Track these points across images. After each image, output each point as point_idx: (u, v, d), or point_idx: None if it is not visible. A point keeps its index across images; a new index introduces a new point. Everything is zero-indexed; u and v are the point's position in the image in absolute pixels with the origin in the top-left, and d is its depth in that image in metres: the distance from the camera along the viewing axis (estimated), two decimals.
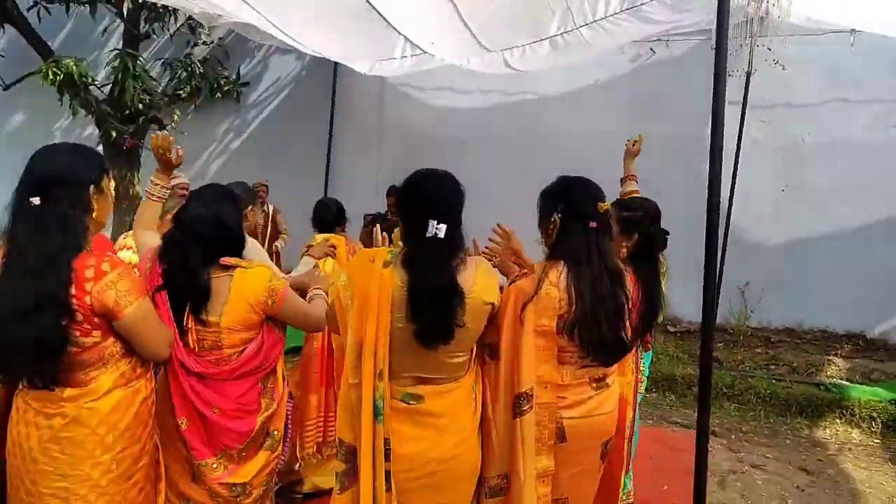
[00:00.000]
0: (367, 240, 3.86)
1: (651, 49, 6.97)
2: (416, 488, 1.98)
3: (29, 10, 7.18)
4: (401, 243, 2.05)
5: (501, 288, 2.17)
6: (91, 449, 1.88)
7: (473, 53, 5.41)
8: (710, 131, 2.67)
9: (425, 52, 5.45)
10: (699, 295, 2.69)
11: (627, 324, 2.28)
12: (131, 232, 3.42)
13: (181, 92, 8.07)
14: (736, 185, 5.75)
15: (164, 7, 6.51)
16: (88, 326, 1.84)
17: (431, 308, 1.88)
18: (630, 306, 2.31)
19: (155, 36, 7.79)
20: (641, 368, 3.01)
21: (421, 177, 2.05)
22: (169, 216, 2.57)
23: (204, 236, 2.24)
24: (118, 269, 1.88)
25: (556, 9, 4.41)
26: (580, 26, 4.64)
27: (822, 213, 6.54)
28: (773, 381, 5.66)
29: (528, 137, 7.32)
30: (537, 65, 5.56)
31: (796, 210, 6.62)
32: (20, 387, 1.92)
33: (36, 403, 1.88)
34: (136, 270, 2.31)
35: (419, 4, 4.48)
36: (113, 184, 2.07)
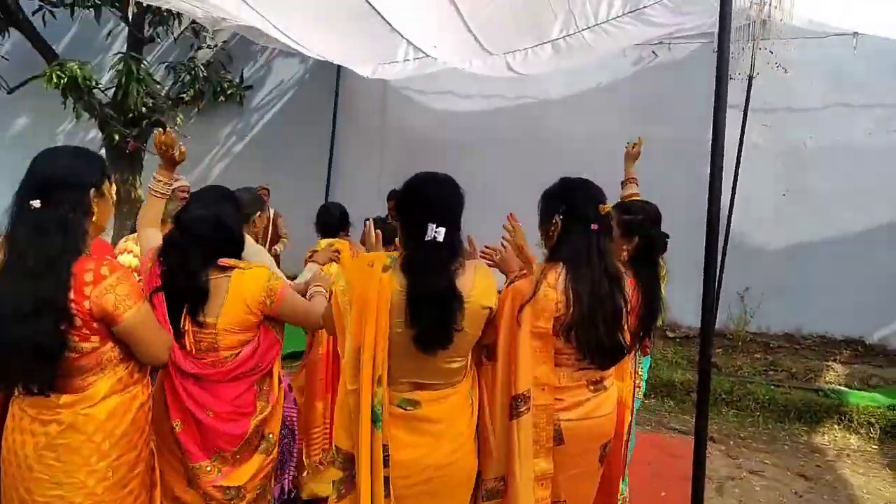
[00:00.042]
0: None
1: (653, 52, 6.96)
2: (413, 495, 1.97)
3: (34, 13, 7.22)
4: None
5: (499, 291, 2.16)
6: (87, 456, 1.87)
7: (475, 56, 5.42)
8: (711, 135, 2.67)
9: (428, 56, 5.46)
10: (699, 300, 2.68)
11: (626, 327, 2.28)
12: (132, 235, 3.44)
13: (184, 95, 8.09)
14: (737, 190, 5.73)
15: (169, 11, 6.53)
16: (87, 331, 1.83)
17: (430, 312, 1.87)
18: (629, 310, 2.31)
19: (159, 40, 7.83)
20: (640, 373, 3.01)
21: (420, 180, 2.04)
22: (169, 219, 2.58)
23: (204, 237, 2.25)
24: (117, 273, 1.87)
25: (559, 12, 4.41)
26: (582, 29, 4.64)
27: (823, 218, 6.51)
28: (772, 386, 5.64)
29: (530, 141, 7.32)
30: (539, 68, 5.56)
31: (797, 215, 6.60)
32: (16, 394, 1.91)
33: (32, 410, 1.86)
34: (135, 274, 2.31)
35: (422, 7, 4.48)
36: (114, 188, 2.06)
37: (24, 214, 1.80)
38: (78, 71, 6.42)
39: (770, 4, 4.26)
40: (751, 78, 5.56)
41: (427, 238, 1.89)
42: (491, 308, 2.04)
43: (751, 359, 6.34)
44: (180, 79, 8.12)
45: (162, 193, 2.51)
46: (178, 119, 7.59)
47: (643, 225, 2.86)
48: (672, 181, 5.98)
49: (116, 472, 1.92)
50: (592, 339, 2.13)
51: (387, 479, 1.90)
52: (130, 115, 6.87)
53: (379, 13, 4.47)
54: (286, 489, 3.25)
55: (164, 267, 2.23)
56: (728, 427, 5.15)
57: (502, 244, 2.40)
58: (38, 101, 7.71)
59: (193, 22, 7.13)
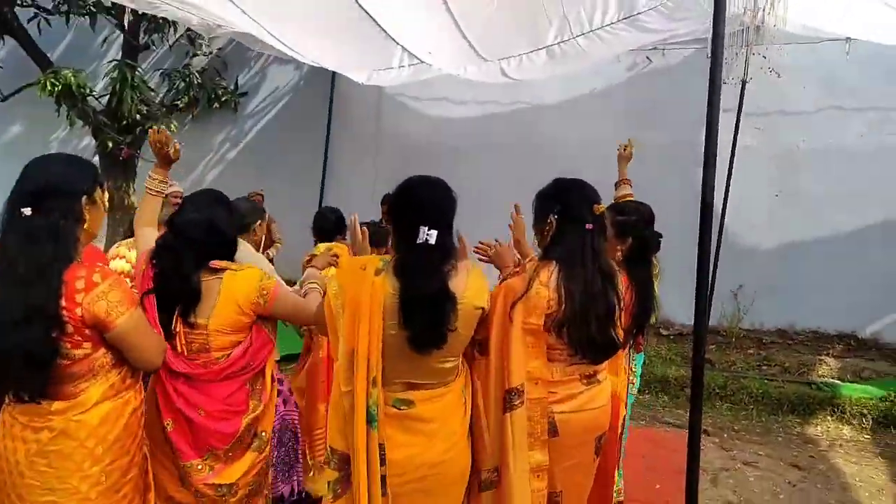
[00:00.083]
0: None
1: (647, 58, 6.99)
2: (407, 493, 1.98)
3: (29, 21, 7.20)
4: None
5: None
6: (79, 461, 1.86)
7: (470, 62, 5.43)
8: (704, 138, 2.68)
9: (422, 62, 5.47)
10: (692, 299, 2.69)
11: (619, 323, 2.30)
12: (125, 241, 3.43)
13: (179, 102, 8.08)
14: (730, 192, 5.78)
15: (164, 18, 6.54)
16: (79, 338, 1.83)
17: (423, 314, 1.88)
18: (622, 307, 2.33)
19: (154, 47, 7.80)
20: (633, 369, 3.05)
21: (412, 183, 2.06)
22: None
23: (197, 240, 2.26)
24: (109, 279, 1.87)
25: (554, 18, 4.43)
26: (577, 35, 4.66)
27: (816, 219, 6.57)
28: (766, 381, 5.70)
29: (525, 146, 7.33)
30: (534, 74, 5.58)
31: (790, 216, 6.65)
32: (6, 401, 1.90)
33: (23, 418, 1.86)
34: (128, 280, 2.31)
35: (417, 15, 4.50)
36: (106, 195, 2.06)
37: (15, 222, 1.80)
38: (72, 78, 6.40)
39: (764, 10, 4.29)
40: (744, 83, 5.59)
41: (419, 241, 1.91)
42: (483, 308, 2.06)
43: (744, 354, 6.39)
44: (175, 86, 8.11)
45: (158, 192, 2.53)
46: (173, 126, 7.54)
47: (637, 226, 2.91)
48: (667, 184, 6.02)
49: (110, 477, 1.92)
50: (584, 335, 2.16)
51: (383, 478, 1.92)
52: (124, 122, 6.84)
53: (374, 20, 4.49)
54: (295, 490, 3.26)
55: (157, 270, 2.24)
56: (722, 420, 5.20)
57: (481, 242, 2.42)
58: (31, 109, 7.68)
59: (189, 29, 7.16)
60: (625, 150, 3.64)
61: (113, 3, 6.25)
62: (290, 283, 3.08)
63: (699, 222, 2.65)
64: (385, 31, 4.73)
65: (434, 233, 1.91)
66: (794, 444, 4.80)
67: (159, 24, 7.15)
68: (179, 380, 2.22)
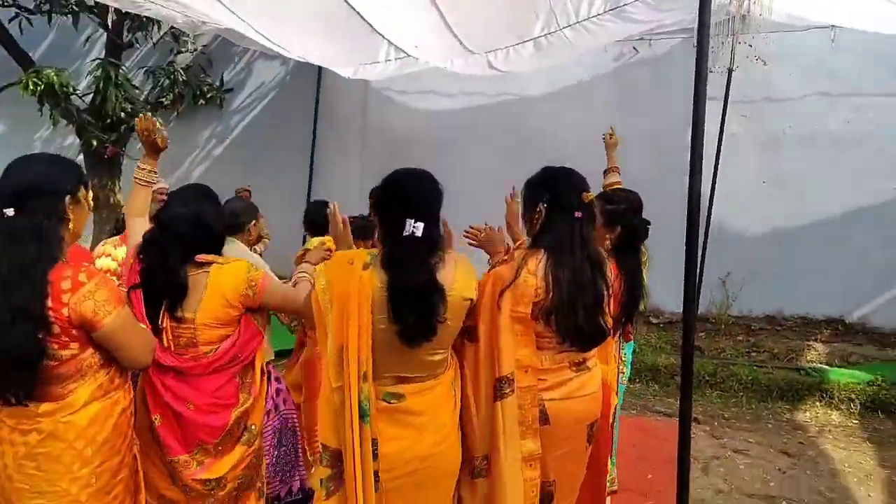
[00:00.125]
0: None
1: (634, 48, 6.99)
2: (398, 487, 1.98)
3: (10, 21, 7.11)
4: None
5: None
6: (69, 464, 1.84)
7: (457, 56, 5.41)
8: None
9: (409, 56, 5.44)
10: (681, 286, 2.70)
11: (608, 311, 2.30)
12: (111, 239, 3.41)
13: (164, 100, 8.01)
14: (718, 179, 5.81)
15: (148, 17, 6.48)
16: (66, 339, 1.81)
17: (411, 307, 1.88)
18: (611, 295, 2.34)
19: (138, 45, 7.74)
20: (623, 359, 3.05)
21: (398, 176, 2.05)
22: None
23: (184, 235, 2.25)
24: (95, 278, 1.85)
25: (540, 10, 4.42)
26: (563, 27, 4.65)
27: (803, 206, 6.61)
28: (755, 367, 5.75)
29: (513, 138, 7.32)
30: (521, 66, 5.56)
31: (777, 202, 6.68)
32: None
33: (10, 420, 1.83)
34: (114, 278, 2.29)
35: (403, 8, 4.47)
36: (90, 194, 2.04)
37: None
38: (55, 77, 6.35)
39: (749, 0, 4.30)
40: (730, 71, 5.62)
41: (405, 233, 1.90)
42: (472, 300, 2.06)
43: (733, 341, 6.43)
44: (159, 83, 8.03)
45: (147, 182, 2.51)
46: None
47: (626, 214, 2.93)
48: (655, 173, 6.03)
49: (100, 479, 1.90)
50: (572, 324, 2.16)
51: (376, 473, 1.91)
52: (109, 120, 6.79)
53: (359, 14, 4.46)
54: (293, 490, 3.24)
55: (143, 265, 2.23)
56: (712, 408, 5.23)
57: (471, 227, 2.44)
58: (14, 109, 7.59)
59: (173, 27, 7.09)
60: (609, 137, 3.64)
61: (96, 2, 6.20)
62: (281, 278, 3.07)
63: (686, 210, 2.66)
64: (371, 25, 4.70)
65: (420, 225, 1.90)
66: (783, 430, 4.85)
67: (143, 22, 7.08)
68: (168, 374, 2.21)
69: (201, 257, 2.26)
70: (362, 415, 1.89)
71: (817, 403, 5.26)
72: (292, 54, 5.60)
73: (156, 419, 2.20)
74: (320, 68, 7.06)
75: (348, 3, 4.27)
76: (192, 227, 2.28)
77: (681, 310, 2.85)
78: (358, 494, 1.88)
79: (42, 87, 6.29)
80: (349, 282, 1.92)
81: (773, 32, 5.63)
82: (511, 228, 2.41)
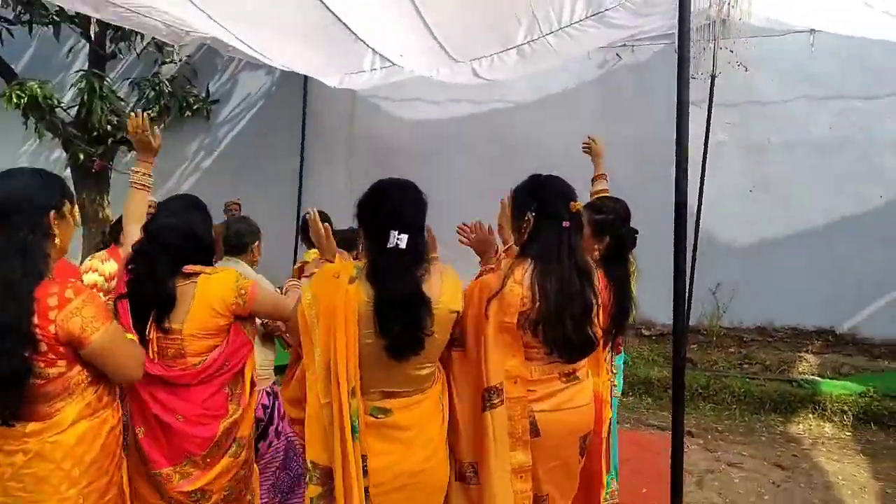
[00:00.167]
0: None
1: (617, 55, 7.04)
2: (386, 502, 1.96)
3: None
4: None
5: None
6: (56, 484, 1.82)
7: (442, 64, 5.43)
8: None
9: (394, 64, 5.46)
10: (672, 299, 2.71)
11: (596, 321, 2.30)
12: (99, 254, 3.40)
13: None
14: (704, 187, 5.82)
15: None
16: (53, 356, 1.79)
17: (398, 319, 1.86)
18: (600, 305, 2.33)
19: (121, 56, 7.69)
20: (614, 371, 3.03)
21: (382, 186, 2.04)
22: None
23: (174, 246, 2.24)
24: (83, 295, 1.83)
25: (523, 17, 4.44)
26: (546, 34, 4.68)
27: (790, 215, 6.64)
28: (747, 379, 5.75)
29: (499, 146, 7.35)
30: (506, 74, 5.58)
31: (764, 211, 6.71)
32: None
33: None
34: (101, 294, 2.28)
35: (387, 17, 4.49)
36: (76, 208, 2.03)
37: None
38: (38, 90, 6.31)
39: (728, 4, 4.34)
40: (713, 77, 5.65)
41: (390, 245, 1.89)
42: (458, 312, 2.05)
43: (725, 353, 6.44)
44: (145, 95, 8.00)
45: (143, 185, 2.50)
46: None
47: (614, 224, 2.90)
48: (640, 179, 6.04)
49: (87, 499, 1.88)
50: (559, 334, 2.15)
51: (366, 490, 1.90)
52: (95, 133, 6.74)
53: (343, 23, 4.47)
54: None
55: (131, 276, 2.22)
56: (706, 421, 5.22)
57: (460, 226, 2.44)
58: None
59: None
60: (590, 146, 3.63)
61: (77, 13, 6.16)
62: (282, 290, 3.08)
63: (674, 223, 2.66)
64: (355, 35, 4.71)
65: (405, 237, 1.89)
66: (777, 443, 4.84)
67: (126, 33, 7.04)
68: (157, 385, 2.19)
69: (189, 268, 2.26)
70: (353, 431, 1.88)
71: (810, 415, 5.26)
72: (277, 63, 5.60)
73: (139, 431, 2.18)
74: (306, 78, 7.06)
75: (333, 13, 4.28)
76: (182, 238, 2.27)
77: (672, 322, 2.85)
78: None
79: (26, 99, 6.25)
80: (335, 296, 1.90)
81: (753, 37, 5.69)
82: (502, 230, 2.41)
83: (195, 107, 8.29)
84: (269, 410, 3.13)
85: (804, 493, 4.02)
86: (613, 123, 6.60)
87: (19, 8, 6.78)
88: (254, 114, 8.59)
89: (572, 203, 2.24)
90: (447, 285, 2.01)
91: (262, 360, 3.10)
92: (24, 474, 1.80)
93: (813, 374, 5.82)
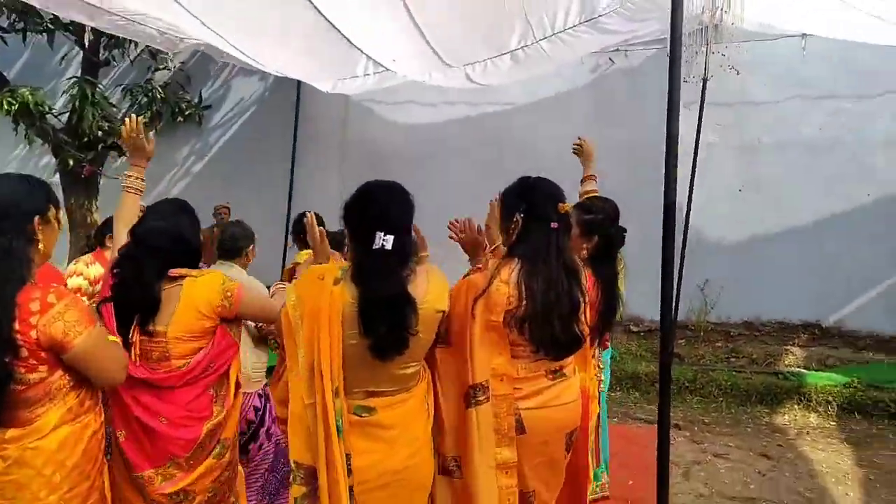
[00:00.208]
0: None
1: (610, 59, 7.09)
2: (370, 500, 1.95)
3: None
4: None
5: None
6: (36, 491, 1.79)
7: (435, 69, 5.43)
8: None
9: (387, 69, 5.45)
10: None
11: (585, 318, 2.30)
12: (84, 257, 3.38)
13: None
14: (695, 187, 5.85)
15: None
16: (34, 362, 1.77)
17: (383, 319, 1.86)
18: (588, 304, 2.34)
19: (115, 63, 7.69)
20: (601, 366, 3.05)
21: (368, 188, 2.03)
22: None
23: (161, 249, 2.23)
24: (65, 299, 1.81)
25: (516, 22, 4.45)
26: (540, 39, 4.69)
27: (777, 211, 6.72)
28: (734, 372, 5.82)
29: (492, 151, 7.37)
30: (499, 79, 5.60)
31: (752, 209, 6.79)
32: None
33: None
34: (84, 298, 2.25)
35: (380, 22, 4.49)
36: (62, 213, 2.02)
37: None
38: (29, 97, 6.29)
39: (721, 9, 4.36)
40: (705, 80, 5.67)
41: (375, 246, 1.88)
42: (444, 311, 2.05)
43: (712, 347, 6.51)
44: (137, 101, 8.00)
45: (136, 189, 2.49)
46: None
47: (603, 224, 2.92)
48: (633, 183, 6.06)
49: None
50: (546, 333, 2.16)
51: (351, 489, 1.89)
52: (85, 139, 6.73)
53: (337, 29, 4.47)
54: None
55: (117, 280, 2.20)
56: (693, 414, 5.28)
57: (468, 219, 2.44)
58: None
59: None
60: (580, 147, 3.63)
61: (72, 21, 6.14)
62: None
63: (663, 222, 2.67)
64: (348, 40, 4.71)
65: (391, 238, 1.89)
66: (762, 433, 4.91)
67: (120, 40, 7.04)
68: (140, 388, 2.17)
69: (175, 271, 2.24)
70: (337, 430, 1.87)
71: (795, 406, 5.34)
72: (271, 69, 5.59)
73: (120, 435, 2.16)
74: (299, 82, 7.07)
75: (326, 19, 4.28)
76: (170, 241, 2.26)
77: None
78: None
79: (17, 106, 6.23)
80: (320, 297, 1.90)
81: (746, 42, 5.73)
82: (489, 230, 2.42)
83: (187, 112, 8.29)
84: (260, 412, 3.12)
85: (789, 481, 4.08)
86: (606, 127, 6.63)
87: (14, 16, 6.77)
88: (246, 119, 8.59)
89: (561, 205, 2.25)
90: (433, 285, 2.01)
91: (254, 362, 3.10)
92: (3, 482, 1.77)
93: (799, 367, 5.90)
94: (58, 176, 6.93)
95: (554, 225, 2.22)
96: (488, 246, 2.46)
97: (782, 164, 6.69)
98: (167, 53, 7.72)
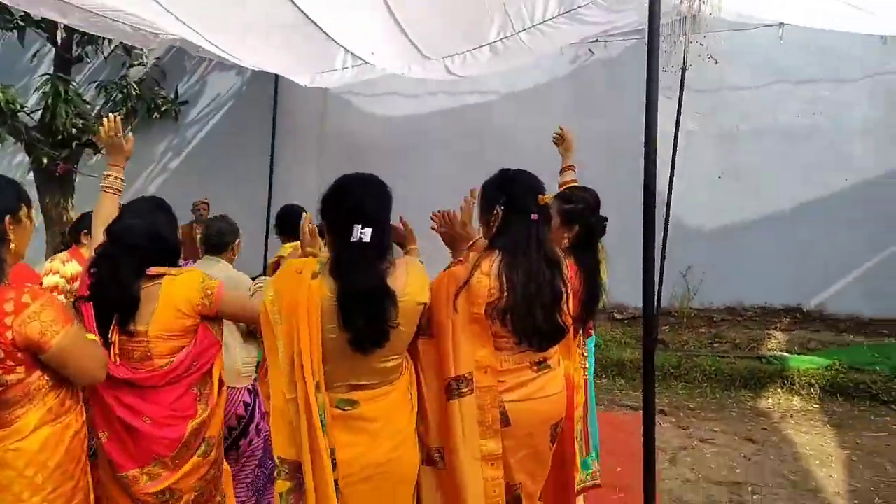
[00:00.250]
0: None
1: (590, 50, 7.10)
2: (354, 493, 1.94)
3: None
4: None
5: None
6: (18, 493, 1.76)
7: (414, 62, 5.41)
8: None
9: (366, 63, 5.42)
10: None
11: (567, 308, 2.30)
12: (59, 255, 3.32)
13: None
14: (675, 175, 5.91)
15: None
16: (11, 363, 1.74)
17: (361, 312, 1.85)
18: (570, 294, 2.34)
19: (88, 59, 7.58)
20: (585, 354, 3.06)
21: (345, 181, 2.02)
22: None
23: (139, 247, 2.20)
24: (41, 299, 1.78)
25: (495, 15, 4.44)
26: (519, 31, 4.67)
27: (758, 198, 6.80)
28: (718, 357, 5.89)
29: (472, 143, 7.37)
30: (479, 70, 5.58)
31: (733, 196, 6.86)
32: None
33: None
34: (61, 297, 2.21)
35: (357, 15, 4.45)
36: (34, 212, 1.98)
37: None
38: (1, 95, 6.17)
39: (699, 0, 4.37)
40: (684, 70, 5.71)
41: (353, 239, 1.87)
42: (425, 303, 2.05)
43: (696, 333, 6.58)
44: (112, 97, 7.88)
45: (114, 189, 2.46)
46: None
47: (583, 213, 2.92)
48: (614, 172, 6.15)
49: None
50: (528, 324, 2.15)
51: (336, 482, 1.88)
52: (59, 136, 6.62)
53: (314, 22, 4.42)
54: None
55: (94, 279, 2.16)
56: (678, 400, 5.33)
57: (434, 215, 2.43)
58: None
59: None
60: (561, 139, 3.63)
61: (43, 18, 6.03)
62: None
63: (643, 210, 2.69)
64: (326, 33, 4.67)
65: (368, 231, 1.87)
66: (747, 418, 4.98)
67: (93, 36, 6.92)
68: (122, 388, 2.14)
69: (154, 270, 2.21)
70: (321, 425, 1.86)
71: (779, 390, 5.42)
72: (247, 63, 5.53)
73: (102, 436, 2.14)
74: (277, 76, 7.00)
75: (303, 12, 4.23)
76: (147, 239, 2.22)
77: None
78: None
79: None
80: (298, 291, 1.88)
81: (723, 31, 5.77)
82: (465, 227, 2.41)
83: (163, 108, 8.19)
84: (250, 408, 3.10)
85: (774, 464, 4.14)
86: (586, 118, 6.65)
87: None
88: (223, 113, 8.51)
89: (540, 196, 2.25)
90: (413, 277, 2.00)
91: (244, 357, 3.07)
92: None
93: (781, 351, 5.99)
94: (32, 174, 6.82)
95: (534, 217, 2.22)
96: (471, 238, 2.45)
97: (760, 152, 6.78)
98: (142, 49, 7.62)
